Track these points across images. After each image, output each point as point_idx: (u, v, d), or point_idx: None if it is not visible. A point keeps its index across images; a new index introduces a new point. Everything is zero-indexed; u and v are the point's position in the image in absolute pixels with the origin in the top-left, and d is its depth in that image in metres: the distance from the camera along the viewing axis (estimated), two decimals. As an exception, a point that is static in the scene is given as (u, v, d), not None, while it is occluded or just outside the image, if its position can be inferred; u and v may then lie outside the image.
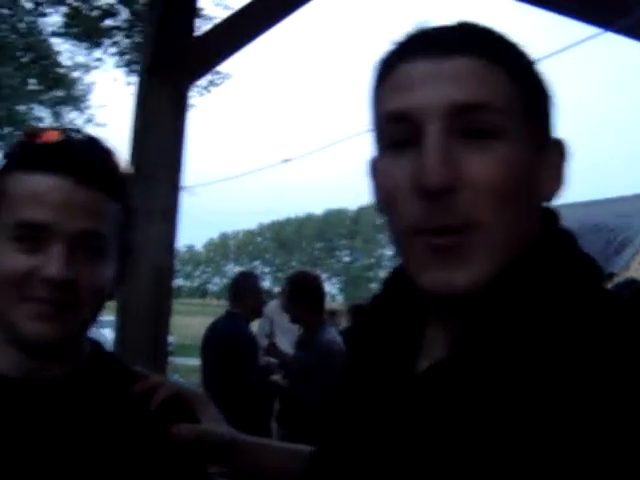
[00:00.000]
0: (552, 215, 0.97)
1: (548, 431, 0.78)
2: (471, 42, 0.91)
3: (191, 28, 3.77)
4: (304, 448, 1.41)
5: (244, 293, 5.30)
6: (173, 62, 3.61)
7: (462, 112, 0.87)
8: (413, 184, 0.87)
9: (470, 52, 0.89)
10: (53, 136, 1.19)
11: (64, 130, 1.22)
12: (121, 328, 3.71)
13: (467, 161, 0.86)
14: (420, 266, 0.89)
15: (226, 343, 5.03)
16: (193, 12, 3.74)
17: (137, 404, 1.28)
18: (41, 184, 1.15)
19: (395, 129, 0.91)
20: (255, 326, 6.77)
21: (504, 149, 0.87)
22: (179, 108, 3.57)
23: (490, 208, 0.86)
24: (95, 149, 1.21)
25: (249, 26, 3.91)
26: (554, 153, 0.95)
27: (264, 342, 5.79)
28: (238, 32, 3.90)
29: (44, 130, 1.22)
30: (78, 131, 1.25)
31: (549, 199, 0.95)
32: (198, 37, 3.86)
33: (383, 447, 0.93)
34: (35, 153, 1.17)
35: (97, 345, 1.36)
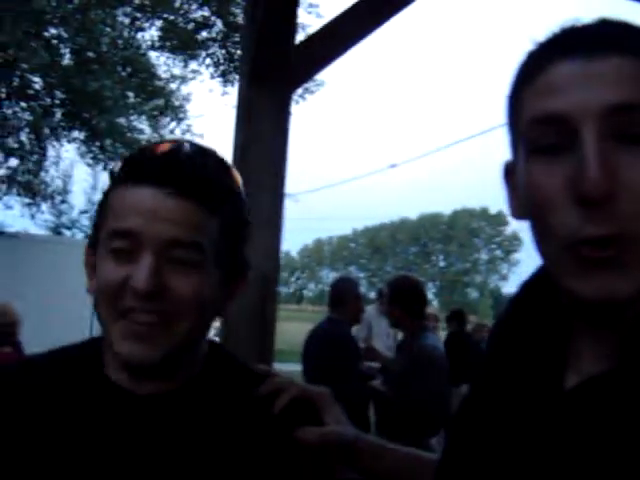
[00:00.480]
0: None
1: None
2: (620, 40, 0.87)
3: (291, 37, 3.80)
4: (428, 455, 1.41)
5: (344, 298, 5.30)
6: (274, 71, 3.66)
7: (618, 114, 0.84)
8: (572, 192, 0.83)
9: (621, 51, 0.86)
10: (159, 149, 1.21)
11: (175, 142, 1.23)
12: (227, 334, 3.77)
13: (625, 167, 0.82)
14: (578, 276, 0.85)
15: (329, 348, 5.04)
16: (293, 21, 3.77)
17: (261, 406, 1.28)
18: (136, 195, 1.17)
19: (544, 133, 0.88)
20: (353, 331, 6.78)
21: None
22: (281, 116, 3.61)
23: None
24: (195, 161, 1.19)
25: (347, 34, 3.93)
26: None
27: (361, 346, 5.80)
28: (338, 39, 3.92)
29: (155, 144, 1.23)
30: (192, 144, 1.24)
31: None
32: (298, 46, 3.89)
33: (527, 468, 0.88)
34: (135, 167, 1.20)
35: (215, 347, 1.37)
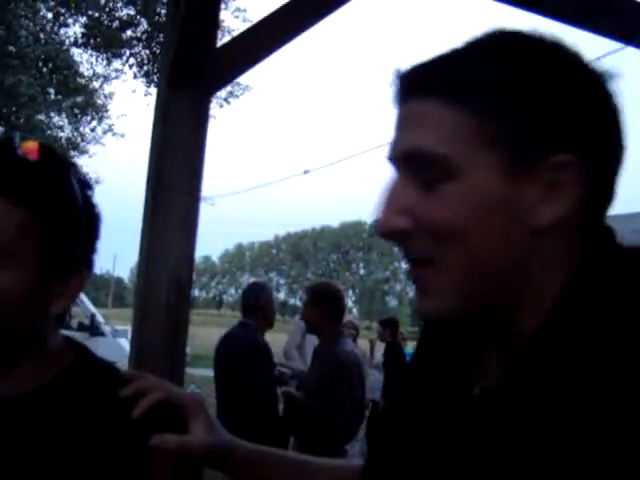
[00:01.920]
0: (599, 238, 0.94)
1: (592, 462, 0.78)
2: (422, 80, 0.93)
3: (212, 40, 3.78)
4: (316, 459, 1.40)
5: (257, 303, 5.29)
6: (193, 73, 3.63)
7: (409, 159, 0.91)
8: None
9: (421, 93, 0.92)
10: None
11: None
12: (138, 338, 3.72)
13: (420, 205, 0.90)
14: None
15: (240, 353, 5.02)
16: (214, 24, 3.75)
17: (121, 409, 1.24)
18: None
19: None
20: (280, 338, 6.78)
21: (453, 189, 0.89)
22: (200, 119, 3.58)
23: (443, 245, 0.89)
24: (3, 153, 1.19)
25: (270, 38, 3.93)
26: (552, 173, 0.88)
27: (293, 353, 5.79)
28: (259, 44, 3.92)
29: None
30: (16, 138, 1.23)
31: (550, 223, 0.89)
32: (219, 49, 3.87)
33: (436, 462, 0.96)
34: None
35: (82, 351, 1.34)
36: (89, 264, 1.31)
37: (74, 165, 1.28)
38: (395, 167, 0.94)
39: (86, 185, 1.29)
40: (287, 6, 3.89)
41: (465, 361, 1.03)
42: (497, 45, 0.92)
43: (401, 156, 0.92)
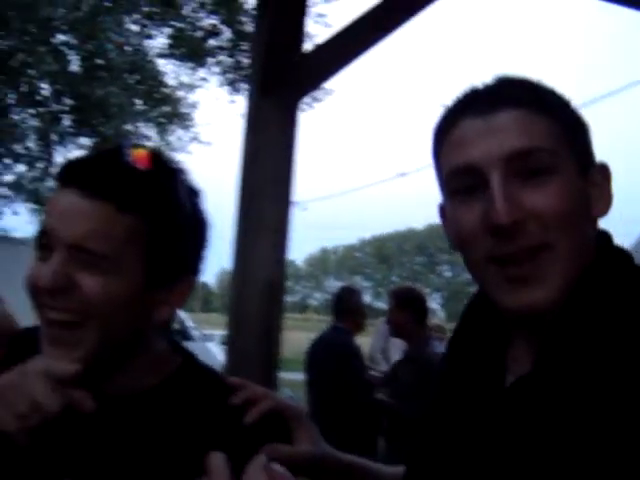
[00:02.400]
0: (606, 235, 1.12)
1: (631, 444, 0.87)
2: (511, 95, 1.07)
3: (299, 47, 3.82)
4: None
5: (348, 307, 5.30)
6: (282, 81, 3.68)
7: (516, 158, 1.03)
8: (485, 224, 1.03)
9: (512, 104, 1.06)
10: (88, 154, 1.28)
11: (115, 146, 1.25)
12: (233, 342, 3.78)
13: (528, 197, 1.02)
14: (501, 291, 1.05)
15: (332, 357, 5.03)
16: (301, 32, 3.79)
17: (231, 417, 1.25)
18: (55, 197, 1.22)
19: (461, 180, 1.07)
20: (366, 342, 6.77)
21: (557, 182, 1.02)
22: (289, 125, 3.63)
23: (554, 231, 1.01)
24: (111, 160, 1.20)
25: (356, 43, 3.95)
26: (599, 176, 1.10)
27: (378, 357, 5.78)
28: (345, 49, 3.94)
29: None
30: (134, 145, 1.24)
31: (600, 217, 1.10)
32: (306, 55, 3.91)
33: (475, 458, 1.04)
34: (62, 170, 1.23)
35: (188, 356, 1.35)
36: (196, 272, 1.31)
37: (183, 172, 1.29)
38: (470, 177, 1.06)
39: (195, 192, 1.30)
40: (372, 11, 3.90)
41: (497, 353, 1.13)
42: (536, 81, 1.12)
43: (498, 159, 1.03)
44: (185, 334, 14.75)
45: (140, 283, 1.20)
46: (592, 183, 1.07)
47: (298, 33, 3.81)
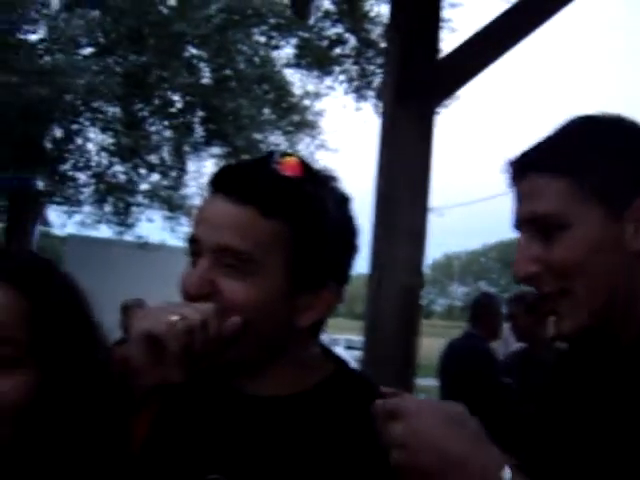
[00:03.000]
0: None
1: None
2: (534, 160, 1.27)
3: (434, 54, 3.84)
4: None
5: (485, 314, 5.25)
6: (417, 88, 3.70)
7: (536, 220, 1.25)
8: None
9: (534, 169, 1.25)
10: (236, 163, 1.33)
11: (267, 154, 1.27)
12: (368, 348, 3.82)
13: (543, 252, 1.23)
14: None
15: (469, 363, 5.00)
16: (436, 39, 3.81)
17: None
18: (204, 203, 1.26)
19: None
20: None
21: (568, 236, 1.21)
22: (425, 132, 3.65)
23: (569, 278, 1.20)
24: (259, 167, 1.23)
25: (492, 47, 3.94)
26: (636, 212, 1.23)
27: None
28: (479, 55, 3.94)
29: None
30: (280, 154, 1.25)
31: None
32: (440, 63, 3.92)
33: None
34: (211, 178, 1.28)
35: (341, 363, 1.34)
36: (343, 279, 1.31)
37: (334, 179, 1.30)
38: (519, 231, 1.27)
39: (344, 199, 1.31)
40: (502, 16, 3.88)
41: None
42: (580, 129, 1.28)
43: (524, 221, 1.25)
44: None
45: (283, 288, 1.20)
46: (632, 219, 1.20)
47: (433, 41, 3.83)
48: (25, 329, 1.03)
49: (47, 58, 12.85)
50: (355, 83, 16.37)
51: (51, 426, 1.05)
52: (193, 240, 1.23)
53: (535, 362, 4.95)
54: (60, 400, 1.05)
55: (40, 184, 15.81)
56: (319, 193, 1.24)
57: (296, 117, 16.78)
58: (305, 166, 1.26)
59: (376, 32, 15.18)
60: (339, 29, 16.12)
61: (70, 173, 15.73)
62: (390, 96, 3.80)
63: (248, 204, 1.18)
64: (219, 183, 1.23)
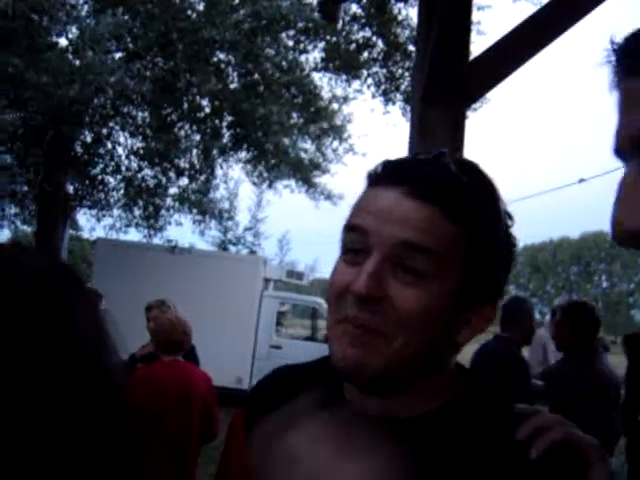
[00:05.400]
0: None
1: None
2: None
3: (464, 56, 3.83)
4: None
5: (517, 318, 5.23)
6: (448, 90, 3.70)
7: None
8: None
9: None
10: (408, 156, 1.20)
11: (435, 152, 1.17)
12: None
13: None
14: None
15: (498, 367, 4.98)
16: (467, 40, 3.80)
17: (515, 449, 1.10)
18: (372, 194, 1.13)
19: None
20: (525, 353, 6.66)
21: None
22: (456, 134, 3.65)
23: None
24: (437, 165, 1.12)
25: (520, 51, 3.92)
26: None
27: (536, 369, 5.67)
28: (509, 57, 3.92)
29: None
30: (450, 155, 1.16)
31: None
32: (470, 65, 3.91)
33: None
34: (379, 169, 1.17)
35: (472, 379, 1.24)
36: (501, 294, 1.20)
37: (496, 188, 1.19)
38: (624, 159, 0.85)
39: (508, 212, 1.20)
40: (532, 18, 3.86)
41: None
42: None
43: (633, 142, 0.83)
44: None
45: (451, 301, 1.10)
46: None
47: (463, 44, 3.83)
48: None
49: (77, 60, 12.95)
50: (383, 86, 16.40)
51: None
52: (355, 230, 1.12)
53: (574, 372, 4.93)
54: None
55: (70, 187, 15.98)
56: (494, 203, 1.16)
57: (324, 121, 16.83)
58: (478, 172, 1.17)
59: (404, 35, 15.19)
60: (367, 33, 16.15)
61: (100, 177, 15.88)
62: (420, 99, 3.79)
63: (430, 202, 1.08)
64: (393, 176, 1.12)
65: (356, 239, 1.11)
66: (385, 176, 1.14)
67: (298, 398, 1.23)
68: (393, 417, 1.14)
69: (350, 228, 1.13)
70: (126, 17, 13.45)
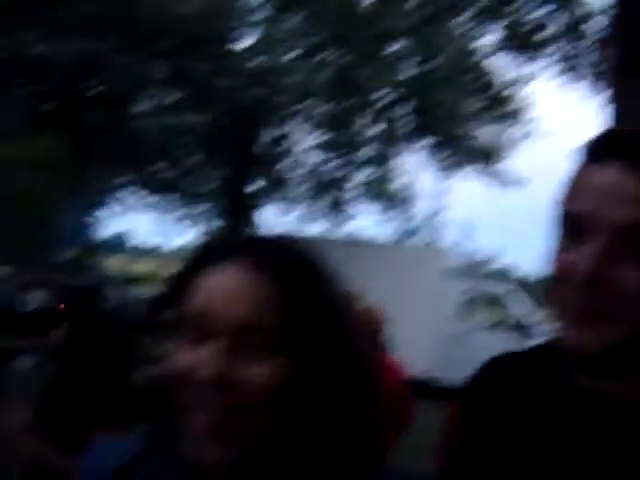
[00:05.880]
0: None
1: None
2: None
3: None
4: None
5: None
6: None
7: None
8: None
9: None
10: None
11: None
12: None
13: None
14: None
15: None
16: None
17: None
18: (587, 172, 1.05)
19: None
20: None
21: None
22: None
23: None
24: None
25: None
26: None
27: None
28: None
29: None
30: None
31: None
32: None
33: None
34: (600, 144, 1.07)
35: None
36: None
37: None
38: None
39: None
40: None
41: None
42: None
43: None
44: (531, 330, 14.49)
45: None
46: None
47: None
48: (278, 315, 0.97)
49: (257, 61, 13.40)
50: (566, 63, 15.83)
51: (302, 416, 0.99)
52: (574, 214, 1.05)
53: None
54: (311, 390, 0.99)
55: (254, 186, 16.55)
56: None
57: (505, 104, 16.46)
58: None
59: (584, 10, 14.63)
60: (546, 10, 15.65)
61: (283, 172, 16.34)
62: (615, 72, 3.63)
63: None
64: (612, 149, 1.04)
65: (576, 222, 1.04)
66: (602, 150, 1.05)
67: (524, 386, 1.19)
68: (621, 399, 1.08)
69: (569, 212, 1.06)
70: (301, 16, 13.75)
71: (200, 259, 1.05)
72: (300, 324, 0.98)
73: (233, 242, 1.08)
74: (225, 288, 0.99)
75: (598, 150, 1.05)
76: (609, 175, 1.01)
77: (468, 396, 1.28)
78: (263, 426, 0.95)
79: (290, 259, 1.04)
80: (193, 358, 0.96)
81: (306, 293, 1.01)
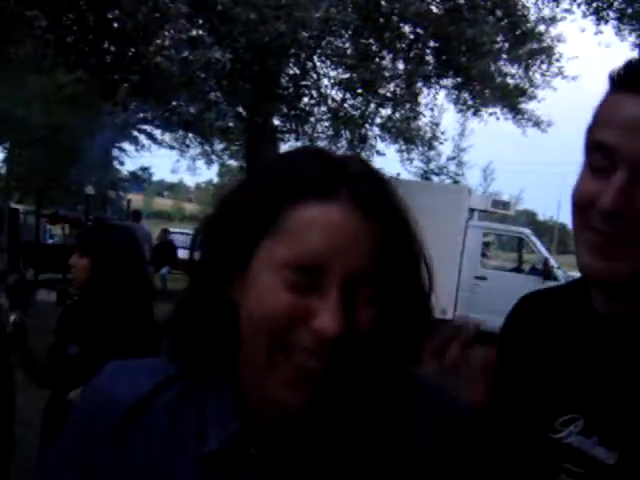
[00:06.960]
0: None
1: None
2: None
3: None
4: None
5: None
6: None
7: None
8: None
9: None
10: None
11: None
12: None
13: None
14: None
15: None
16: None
17: None
18: (614, 102, 1.03)
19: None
20: None
21: None
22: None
23: None
24: None
25: None
26: None
27: None
28: None
29: None
30: None
31: None
32: None
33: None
34: (625, 71, 1.05)
35: None
36: None
37: None
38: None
39: None
40: None
41: None
42: None
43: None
44: (548, 274, 14.46)
45: None
46: None
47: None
48: (380, 263, 0.93)
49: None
50: (594, 4, 15.44)
51: (381, 360, 0.97)
52: (599, 146, 1.03)
53: None
54: (390, 336, 0.96)
55: (277, 121, 16.42)
56: None
57: (532, 44, 16.11)
58: None
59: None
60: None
61: (306, 109, 16.18)
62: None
63: None
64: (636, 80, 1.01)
65: (601, 154, 1.03)
66: (632, 79, 1.02)
67: (553, 318, 1.23)
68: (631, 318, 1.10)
69: (594, 143, 1.04)
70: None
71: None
72: (396, 272, 0.96)
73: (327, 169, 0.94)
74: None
75: (627, 79, 1.03)
76: (632, 106, 0.99)
77: (504, 336, 1.31)
78: (350, 371, 0.92)
79: (392, 203, 1.00)
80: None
81: (399, 234, 0.98)
